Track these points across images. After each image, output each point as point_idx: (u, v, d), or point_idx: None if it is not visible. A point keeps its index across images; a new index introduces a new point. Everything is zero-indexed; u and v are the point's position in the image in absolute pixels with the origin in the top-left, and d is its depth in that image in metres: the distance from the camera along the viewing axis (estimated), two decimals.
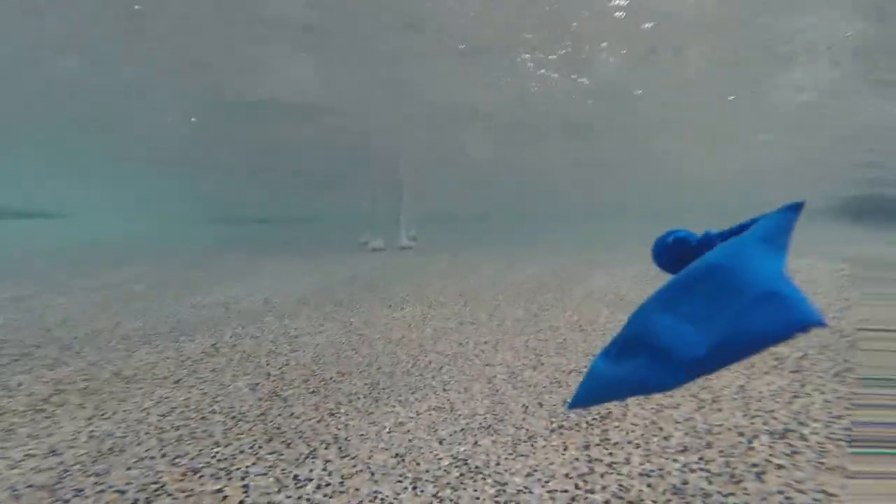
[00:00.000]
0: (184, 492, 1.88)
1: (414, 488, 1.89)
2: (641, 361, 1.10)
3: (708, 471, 1.96)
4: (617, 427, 2.39)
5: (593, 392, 1.23)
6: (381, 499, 1.82)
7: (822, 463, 1.99)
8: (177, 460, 2.14)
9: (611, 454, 2.13)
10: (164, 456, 2.18)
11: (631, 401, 2.70)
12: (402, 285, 7.18)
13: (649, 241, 1.57)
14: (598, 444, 2.22)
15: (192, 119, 15.06)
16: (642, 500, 1.78)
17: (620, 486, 1.88)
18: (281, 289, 6.99)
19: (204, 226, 36.45)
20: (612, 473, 1.97)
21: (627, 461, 2.07)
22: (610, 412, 2.56)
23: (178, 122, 15.41)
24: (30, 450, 2.24)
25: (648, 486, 1.88)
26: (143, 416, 2.65)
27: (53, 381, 3.24)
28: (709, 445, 2.18)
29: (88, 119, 15.05)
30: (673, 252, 1.43)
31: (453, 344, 4.08)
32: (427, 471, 2.03)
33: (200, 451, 2.23)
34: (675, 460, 2.06)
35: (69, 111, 14.48)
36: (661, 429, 2.36)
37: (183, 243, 18.27)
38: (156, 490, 1.89)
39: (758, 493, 1.81)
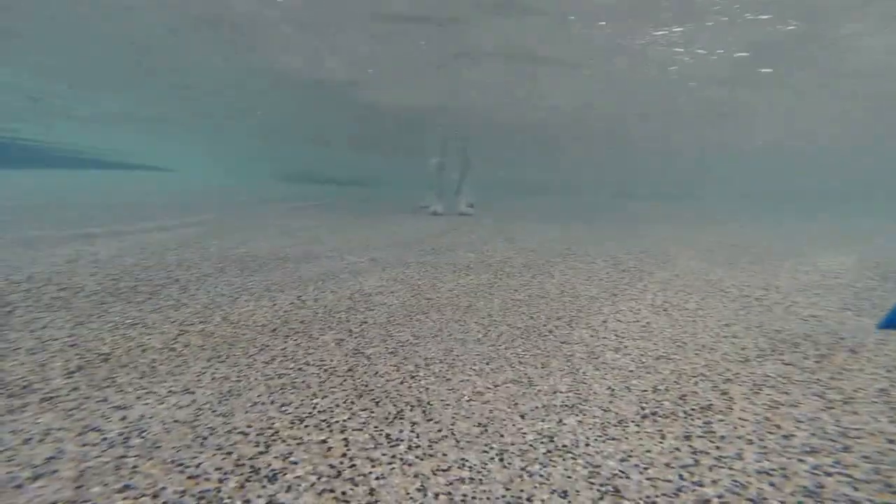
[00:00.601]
0: (294, 439, 2.16)
1: (500, 460, 2.07)
2: None
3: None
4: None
5: None
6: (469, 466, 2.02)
7: None
8: (283, 408, 2.44)
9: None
10: (272, 403, 2.49)
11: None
12: (465, 251, 7.34)
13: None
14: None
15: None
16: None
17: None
18: (354, 247, 7.34)
19: (279, 183, 38.91)
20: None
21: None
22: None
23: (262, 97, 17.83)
24: (170, 387, 2.62)
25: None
26: (251, 362, 2.99)
27: (178, 322, 3.68)
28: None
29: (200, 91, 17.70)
30: None
31: (524, 317, 4.21)
32: (513, 444, 2.20)
33: (302, 401, 2.52)
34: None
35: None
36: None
37: (269, 197, 19.47)
38: (272, 435, 2.18)
39: None
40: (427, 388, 2.72)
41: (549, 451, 2.13)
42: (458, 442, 2.19)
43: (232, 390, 2.60)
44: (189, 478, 1.84)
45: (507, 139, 26.63)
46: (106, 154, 46.94)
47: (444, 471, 1.96)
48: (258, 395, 2.56)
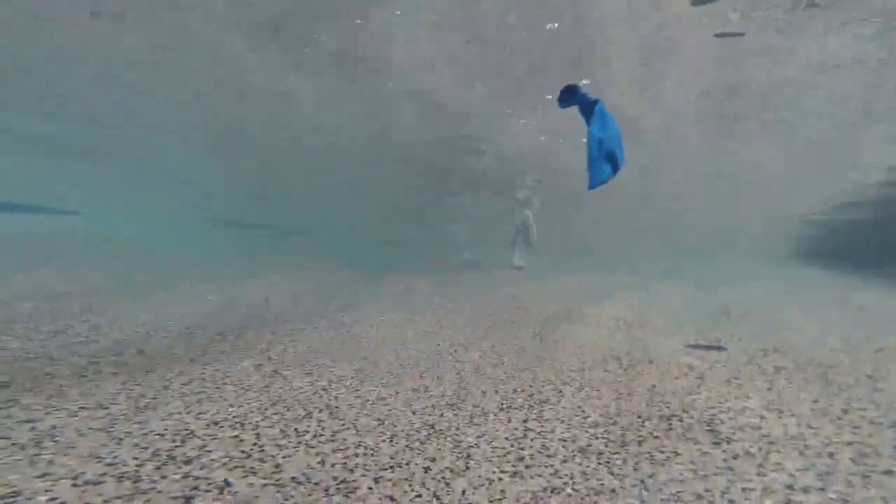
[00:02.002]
0: (211, 436, 2.38)
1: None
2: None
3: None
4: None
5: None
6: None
7: None
8: (200, 415, 2.64)
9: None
10: (188, 412, 2.68)
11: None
12: (554, 303, 7.69)
13: None
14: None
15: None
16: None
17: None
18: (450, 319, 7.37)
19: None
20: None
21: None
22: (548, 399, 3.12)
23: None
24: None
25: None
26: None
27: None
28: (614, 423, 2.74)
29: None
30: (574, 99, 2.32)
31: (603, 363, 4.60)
32: None
33: (219, 409, 2.74)
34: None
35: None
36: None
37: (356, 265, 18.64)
38: (188, 434, 2.39)
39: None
40: None
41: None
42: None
43: None
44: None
45: None
46: None
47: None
48: None
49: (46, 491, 1.86)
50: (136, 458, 2.14)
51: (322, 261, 14.20)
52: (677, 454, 2.43)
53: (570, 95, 2.33)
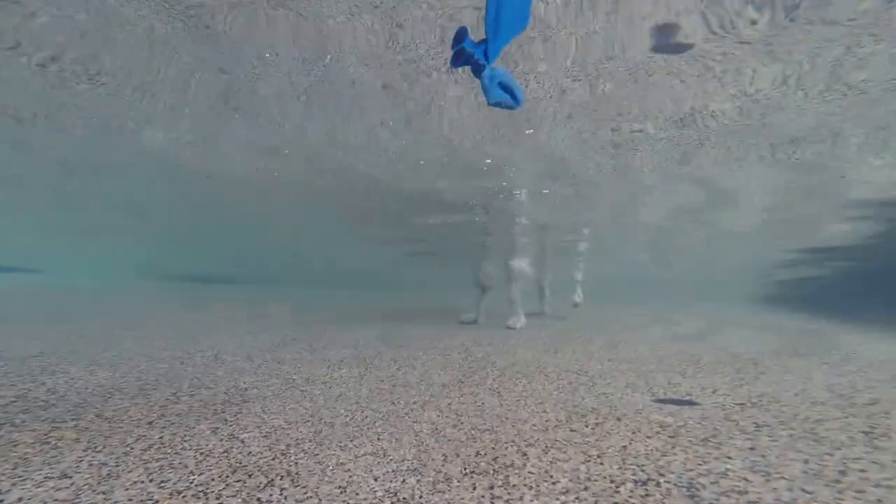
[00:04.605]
0: None
1: None
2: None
3: None
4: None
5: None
6: None
7: None
8: (162, 484, 2.80)
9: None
10: (151, 481, 2.83)
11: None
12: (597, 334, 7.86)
13: None
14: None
15: None
16: None
17: None
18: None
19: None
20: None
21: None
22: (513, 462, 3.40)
23: None
24: None
25: None
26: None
27: None
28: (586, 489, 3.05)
29: None
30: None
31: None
32: None
33: (180, 478, 2.89)
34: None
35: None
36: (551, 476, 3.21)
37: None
38: (147, 501, 2.55)
39: None
40: None
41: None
42: None
43: None
44: None
45: None
46: None
47: None
48: None
49: None
50: None
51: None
52: None
53: (459, 50, 2.42)
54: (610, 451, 3.68)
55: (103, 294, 19.12)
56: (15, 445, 3.23)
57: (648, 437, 3.99)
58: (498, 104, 2.50)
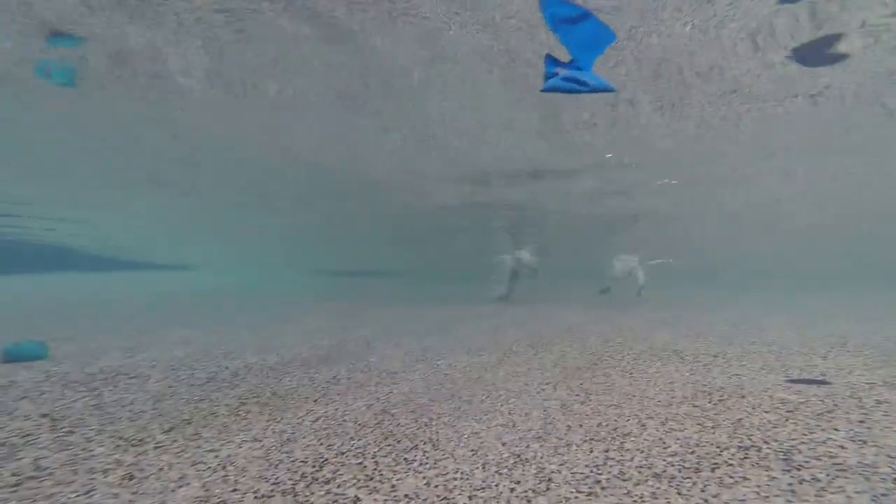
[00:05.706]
0: (341, 463, 3.01)
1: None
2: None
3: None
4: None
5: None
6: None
7: None
8: (330, 446, 3.30)
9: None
10: (321, 444, 3.36)
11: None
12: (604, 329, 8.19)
13: None
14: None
15: None
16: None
17: None
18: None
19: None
20: None
21: None
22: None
23: None
24: None
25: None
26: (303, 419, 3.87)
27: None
28: (692, 452, 3.01)
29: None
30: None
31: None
32: None
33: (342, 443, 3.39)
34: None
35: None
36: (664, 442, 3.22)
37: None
38: (324, 462, 3.05)
39: None
40: None
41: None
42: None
43: None
44: None
45: None
46: (126, 254, 44.06)
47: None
48: None
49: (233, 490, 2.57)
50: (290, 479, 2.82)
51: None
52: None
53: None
54: (725, 423, 3.65)
55: (259, 291, 21.89)
56: (216, 417, 4.01)
57: (766, 412, 3.90)
58: (554, 89, 3.02)
